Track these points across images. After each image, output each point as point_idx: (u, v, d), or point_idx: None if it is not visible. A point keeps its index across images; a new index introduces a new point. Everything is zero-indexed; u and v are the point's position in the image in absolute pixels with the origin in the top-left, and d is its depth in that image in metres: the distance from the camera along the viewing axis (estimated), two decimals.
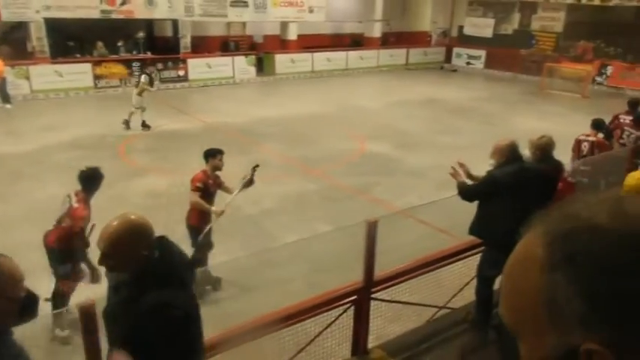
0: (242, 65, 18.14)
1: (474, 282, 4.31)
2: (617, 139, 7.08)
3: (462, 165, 4.28)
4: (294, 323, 3.47)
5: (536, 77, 18.86)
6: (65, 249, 4.38)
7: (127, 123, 11.37)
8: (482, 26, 22.38)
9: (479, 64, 22.22)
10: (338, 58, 20.48)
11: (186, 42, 17.41)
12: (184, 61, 16.99)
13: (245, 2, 17.84)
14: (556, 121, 12.27)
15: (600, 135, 6.81)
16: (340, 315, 3.74)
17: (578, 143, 6.79)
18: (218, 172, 5.16)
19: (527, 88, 18.16)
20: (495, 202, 3.83)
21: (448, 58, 23.35)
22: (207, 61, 17.47)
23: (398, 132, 11.84)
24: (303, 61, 19.62)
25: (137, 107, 11.29)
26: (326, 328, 3.69)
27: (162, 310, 1.80)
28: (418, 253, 4.44)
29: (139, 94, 11.28)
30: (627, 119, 7.35)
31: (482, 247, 4.21)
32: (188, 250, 5.10)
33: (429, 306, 4.37)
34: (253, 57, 18.55)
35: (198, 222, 5.05)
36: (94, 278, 4.34)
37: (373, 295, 3.84)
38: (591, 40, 19.09)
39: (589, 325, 0.49)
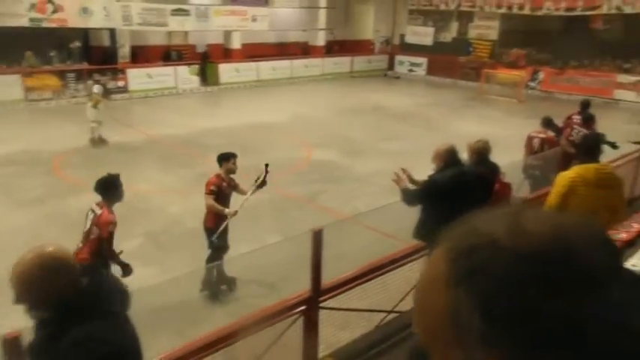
0: (185, 75, 17.78)
1: None
2: (567, 137, 7.51)
3: (404, 170, 4.38)
4: (243, 337, 3.38)
5: (475, 83, 19.68)
6: (93, 263, 4.30)
7: (93, 140, 10.73)
8: (422, 34, 23.12)
9: (421, 71, 22.91)
10: (283, 66, 20.48)
11: (124, 51, 16.85)
12: (123, 72, 16.44)
13: (186, 11, 17.53)
14: (494, 124, 12.82)
15: (550, 132, 7.23)
16: (289, 326, 3.69)
17: (530, 140, 7.22)
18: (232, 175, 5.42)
19: (467, 93, 18.91)
20: (436, 205, 3.92)
21: (391, 65, 23.94)
22: (147, 71, 16.99)
23: (344, 139, 11.96)
24: (248, 70, 19.49)
25: (94, 121, 10.64)
26: (275, 340, 3.63)
27: (86, 346, 1.61)
28: (367, 259, 4.46)
29: (94, 106, 10.63)
30: (578, 118, 7.86)
31: (427, 250, 4.30)
32: (204, 251, 5.32)
33: (378, 311, 4.40)
34: (196, 67, 18.22)
35: (215, 224, 5.27)
36: (126, 273, 4.40)
37: (322, 304, 3.82)
38: (524, 47, 20.17)
39: (489, 342, 0.48)
